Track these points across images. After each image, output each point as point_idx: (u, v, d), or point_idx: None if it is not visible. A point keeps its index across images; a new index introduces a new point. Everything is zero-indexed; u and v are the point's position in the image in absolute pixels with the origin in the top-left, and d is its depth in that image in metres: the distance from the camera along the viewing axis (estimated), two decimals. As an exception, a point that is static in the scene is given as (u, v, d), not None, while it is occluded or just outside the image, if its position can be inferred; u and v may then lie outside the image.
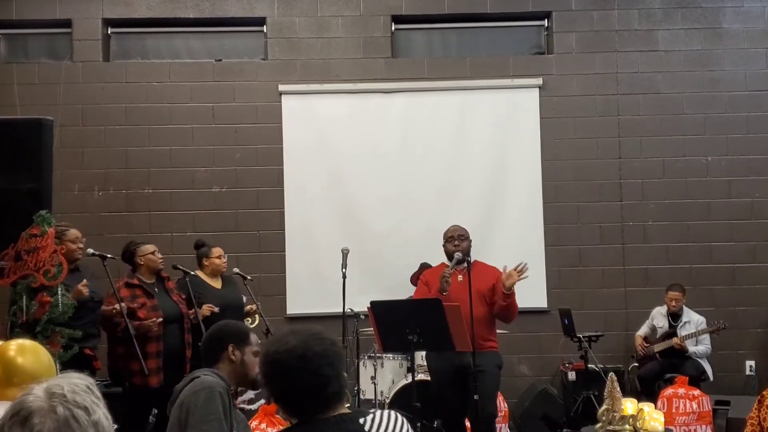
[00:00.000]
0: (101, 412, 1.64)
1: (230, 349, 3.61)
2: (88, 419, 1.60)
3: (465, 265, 5.68)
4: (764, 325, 8.70)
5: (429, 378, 6.62)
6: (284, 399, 2.32)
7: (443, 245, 5.92)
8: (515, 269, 5.60)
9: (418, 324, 5.11)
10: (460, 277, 5.73)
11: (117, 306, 5.76)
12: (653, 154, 8.80)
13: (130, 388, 5.93)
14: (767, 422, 3.95)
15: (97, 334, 5.99)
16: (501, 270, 5.79)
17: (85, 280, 5.65)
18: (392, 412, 2.37)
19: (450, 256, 5.80)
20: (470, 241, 5.91)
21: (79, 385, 1.65)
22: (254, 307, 7.10)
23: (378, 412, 2.35)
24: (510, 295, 5.59)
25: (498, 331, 6.98)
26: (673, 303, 8.02)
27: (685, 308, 8.05)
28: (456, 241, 5.80)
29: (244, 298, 7.08)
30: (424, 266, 7.74)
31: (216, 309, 6.43)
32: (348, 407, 2.40)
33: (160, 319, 5.92)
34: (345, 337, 7.05)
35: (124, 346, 5.84)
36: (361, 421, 2.29)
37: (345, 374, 2.44)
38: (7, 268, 5.20)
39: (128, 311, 5.86)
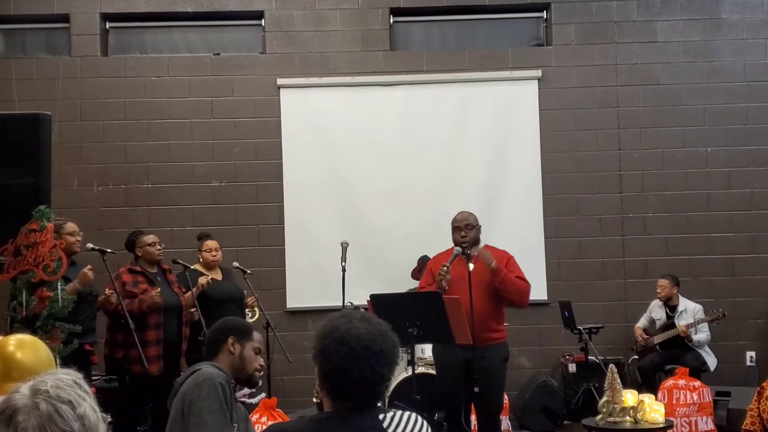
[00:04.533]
0: (87, 406, 1.64)
1: (230, 341, 3.61)
2: (72, 413, 1.60)
3: (468, 254, 5.60)
4: (764, 315, 8.70)
5: (429, 371, 6.64)
6: (334, 379, 2.29)
7: (452, 233, 5.73)
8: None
9: (418, 317, 5.08)
10: (471, 266, 5.54)
11: (112, 291, 5.77)
12: (653, 146, 8.79)
13: (129, 377, 5.94)
14: (767, 413, 3.96)
15: (95, 329, 6.01)
16: (507, 253, 5.72)
17: (89, 265, 5.65)
18: (414, 415, 2.36)
19: (458, 245, 5.64)
20: (478, 227, 5.71)
21: (65, 380, 1.66)
22: (253, 299, 7.14)
23: (399, 413, 2.33)
24: (496, 271, 5.48)
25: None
26: (659, 290, 8.04)
27: (680, 298, 8.05)
28: (463, 231, 5.61)
29: (245, 291, 7.10)
30: (423, 259, 7.74)
31: (210, 279, 6.50)
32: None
33: (158, 290, 5.94)
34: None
35: (124, 334, 5.86)
36: (381, 416, 2.29)
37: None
38: (6, 264, 5.20)
39: (130, 295, 5.88)
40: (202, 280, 6.52)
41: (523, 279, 5.67)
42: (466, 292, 5.33)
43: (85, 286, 5.66)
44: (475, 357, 5.34)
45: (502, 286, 5.54)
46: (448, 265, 5.48)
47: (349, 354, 2.26)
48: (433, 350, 5.96)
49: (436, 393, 5.70)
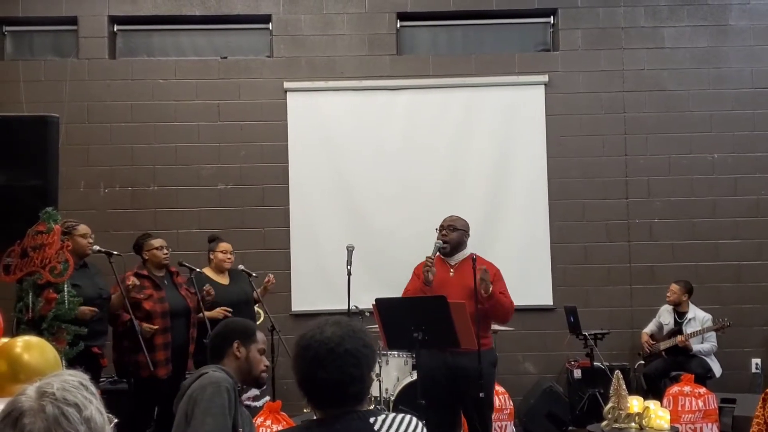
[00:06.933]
0: (93, 408, 1.63)
1: (235, 345, 3.62)
2: (79, 416, 1.60)
3: (461, 257, 5.62)
4: (770, 323, 8.69)
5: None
6: (306, 385, 2.35)
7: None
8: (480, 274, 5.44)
9: (423, 321, 5.07)
10: (451, 272, 5.65)
11: (129, 281, 5.77)
12: (659, 152, 8.78)
13: (136, 381, 5.94)
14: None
15: (105, 332, 6.00)
16: (496, 268, 5.69)
17: (96, 310, 5.61)
18: (408, 416, 2.36)
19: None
20: (463, 232, 5.72)
21: (71, 382, 1.65)
22: (269, 278, 7.07)
23: (392, 415, 2.35)
24: (489, 297, 5.43)
25: (503, 328, 6.97)
26: (668, 294, 8.04)
27: (691, 305, 8.05)
28: (444, 230, 5.68)
29: (254, 293, 7.08)
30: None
31: (229, 312, 6.46)
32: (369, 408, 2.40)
33: (156, 327, 5.91)
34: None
35: (130, 339, 5.85)
36: (372, 420, 2.30)
37: (373, 377, 2.44)
38: (13, 265, 5.20)
39: (134, 302, 5.87)
40: (218, 314, 6.44)
41: (508, 297, 5.64)
42: (457, 296, 5.31)
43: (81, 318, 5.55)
44: (465, 363, 5.30)
45: (491, 308, 5.51)
46: (432, 256, 5.49)
47: (313, 358, 2.31)
48: (417, 357, 5.75)
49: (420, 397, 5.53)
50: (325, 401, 2.33)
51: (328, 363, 2.28)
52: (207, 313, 6.37)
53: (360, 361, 2.32)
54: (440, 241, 5.62)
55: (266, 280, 7.06)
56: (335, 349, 2.30)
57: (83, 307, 5.45)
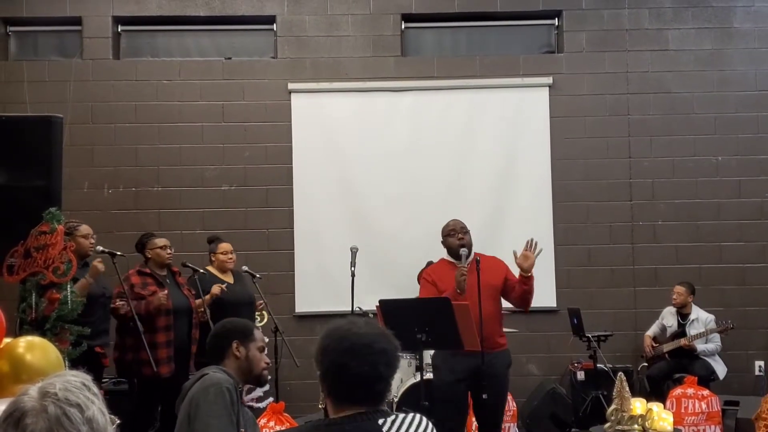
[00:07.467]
0: (96, 409, 1.64)
1: (234, 345, 3.62)
2: (81, 417, 1.60)
3: (469, 260, 5.56)
4: (774, 325, 8.68)
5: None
6: (335, 376, 2.33)
7: (444, 241, 5.69)
8: (527, 249, 5.47)
9: (426, 323, 5.05)
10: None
11: (123, 303, 5.80)
12: (663, 154, 8.77)
13: (139, 380, 5.95)
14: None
15: (107, 331, 6.02)
16: (503, 261, 5.68)
17: (99, 259, 5.68)
18: (417, 416, 2.37)
19: (452, 252, 5.62)
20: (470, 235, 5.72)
21: (73, 383, 1.65)
22: (262, 303, 7.14)
23: (402, 415, 2.35)
24: (530, 277, 5.44)
25: (506, 329, 6.94)
26: (674, 296, 8.03)
27: (693, 306, 8.04)
28: (460, 234, 5.59)
29: (255, 295, 7.10)
30: (431, 265, 7.72)
31: (224, 287, 6.48)
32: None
33: (165, 291, 5.94)
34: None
35: (133, 337, 5.86)
36: (380, 421, 2.30)
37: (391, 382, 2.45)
38: (16, 266, 5.22)
39: (138, 297, 5.89)
40: (215, 289, 6.49)
41: None
42: (473, 296, 5.30)
43: (95, 277, 5.64)
44: (482, 364, 5.29)
45: (527, 291, 5.51)
46: (465, 265, 5.43)
47: (349, 349, 2.31)
48: (434, 358, 5.79)
49: (434, 401, 5.53)
50: (349, 395, 2.33)
51: (363, 356, 2.30)
52: (207, 298, 6.37)
53: (391, 361, 2.36)
54: (466, 250, 5.53)
55: (258, 304, 7.09)
56: (372, 345, 2.32)
57: (95, 263, 5.54)
